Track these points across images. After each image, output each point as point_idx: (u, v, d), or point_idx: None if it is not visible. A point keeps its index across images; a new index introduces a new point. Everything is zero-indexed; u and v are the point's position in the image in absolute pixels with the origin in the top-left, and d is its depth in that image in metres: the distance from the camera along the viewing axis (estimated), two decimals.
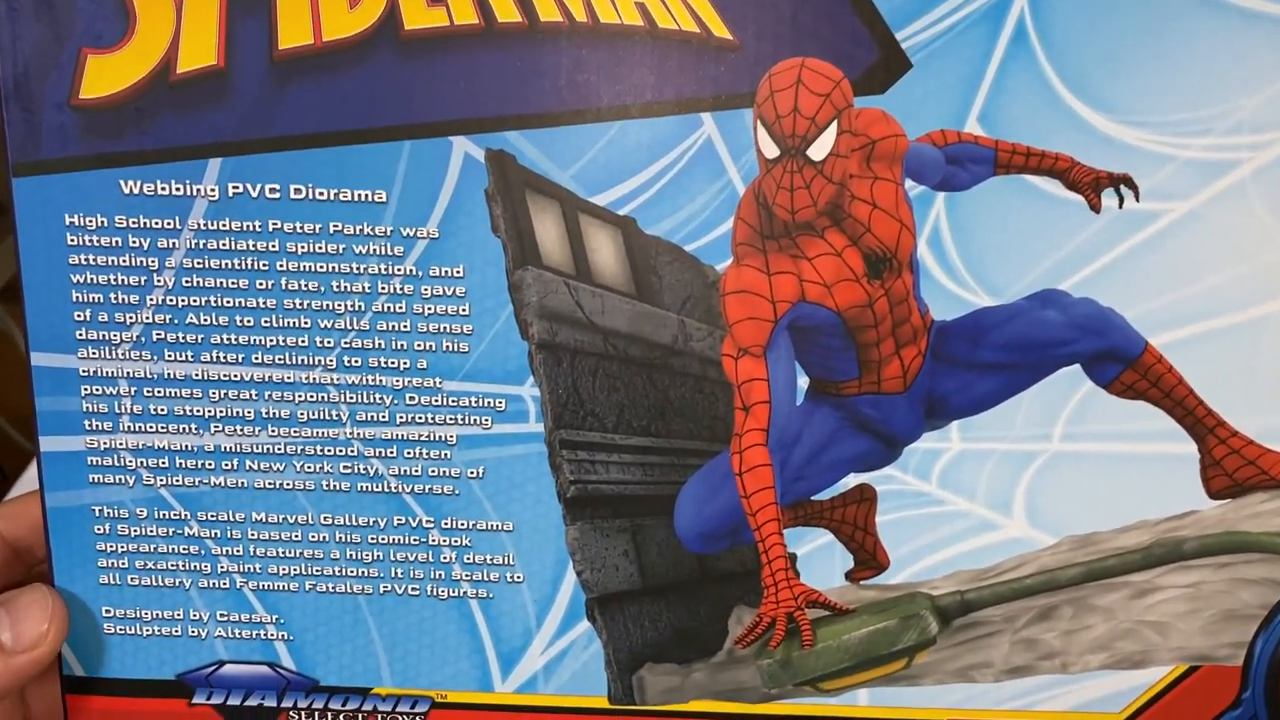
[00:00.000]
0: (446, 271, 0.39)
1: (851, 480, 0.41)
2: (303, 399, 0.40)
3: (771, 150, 0.38)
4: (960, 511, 0.41)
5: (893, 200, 0.38)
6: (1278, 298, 0.39)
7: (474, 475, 0.41)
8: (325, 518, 0.41)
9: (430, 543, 0.42)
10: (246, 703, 0.43)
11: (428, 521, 0.41)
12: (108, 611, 0.42)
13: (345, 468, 0.41)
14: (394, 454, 0.41)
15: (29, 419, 0.41)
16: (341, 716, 0.43)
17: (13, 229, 0.39)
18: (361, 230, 0.39)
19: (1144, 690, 0.42)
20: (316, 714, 0.43)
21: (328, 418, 0.41)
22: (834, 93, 0.37)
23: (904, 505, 0.41)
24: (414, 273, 0.39)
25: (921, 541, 0.41)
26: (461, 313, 0.39)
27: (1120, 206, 0.38)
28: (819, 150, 0.38)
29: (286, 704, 0.43)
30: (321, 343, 0.40)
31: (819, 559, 0.42)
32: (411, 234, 0.39)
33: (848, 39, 0.37)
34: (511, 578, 0.42)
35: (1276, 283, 0.39)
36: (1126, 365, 0.39)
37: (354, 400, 0.40)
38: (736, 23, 0.37)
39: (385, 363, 0.40)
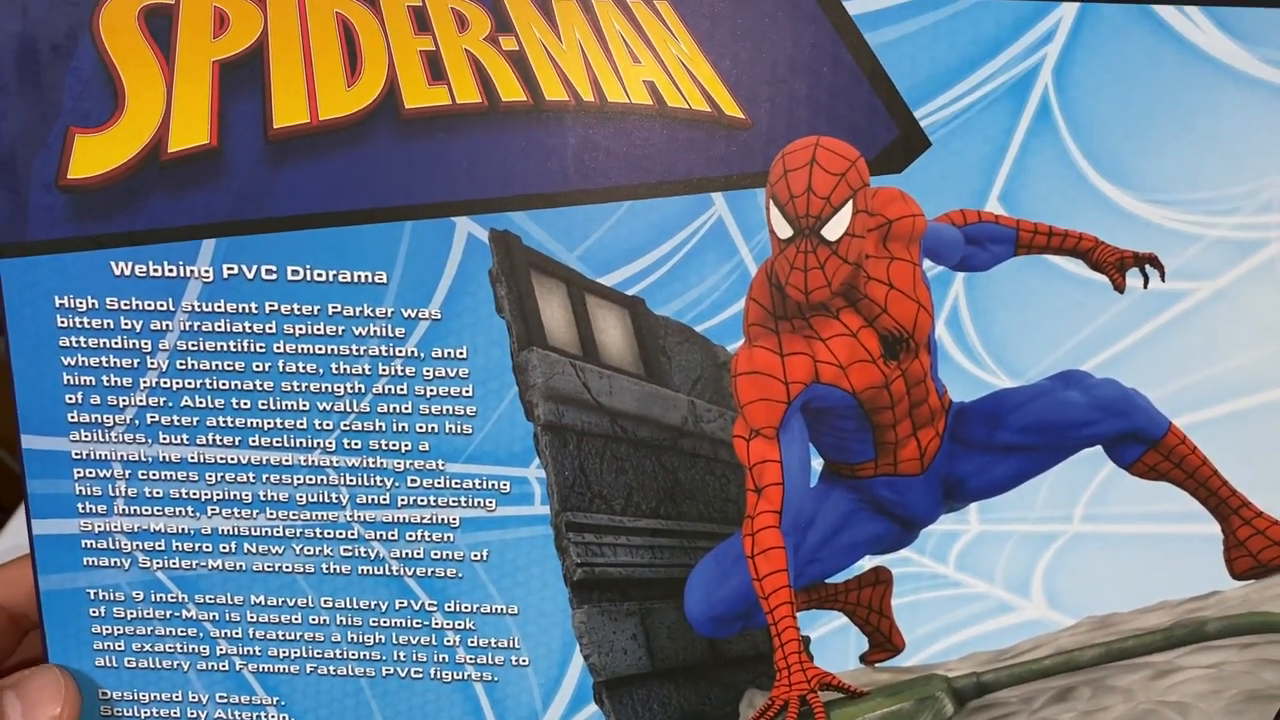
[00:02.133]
0: (449, 353, 0.38)
1: (867, 562, 0.40)
2: (302, 481, 0.39)
3: (785, 230, 0.36)
4: (978, 594, 0.40)
5: (910, 281, 0.37)
6: None
7: (478, 558, 0.40)
8: (325, 600, 0.40)
9: (433, 626, 0.41)
10: None
11: (430, 605, 0.40)
12: (104, 694, 0.41)
13: (346, 550, 0.40)
14: (395, 537, 0.40)
15: None
16: None
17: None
18: (361, 312, 0.38)
19: None
20: None
21: (327, 500, 0.40)
22: (849, 172, 0.36)
23: (920, 587, 0.40)
24: (416, 354, 0.38)
25: (938, 624, 0.40)
26: (465, 394, 0.38)
27: (1145, 286, 0.37)
28: (834, 230, 0.36)
29: None
30: (320, 425, 0.39)
31: (833, 642, 0.41)
32: (413, 315, 0.38)
33: (865, 117, 0.36)
34: (517, 661, 0.41)
35: None
36: (1149, 446, 0.38)
37: (354, 483, 0.39)
38: (749, 101, 0.36)
39: (386, 445, 0.39)
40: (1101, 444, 0.39)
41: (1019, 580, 0.40)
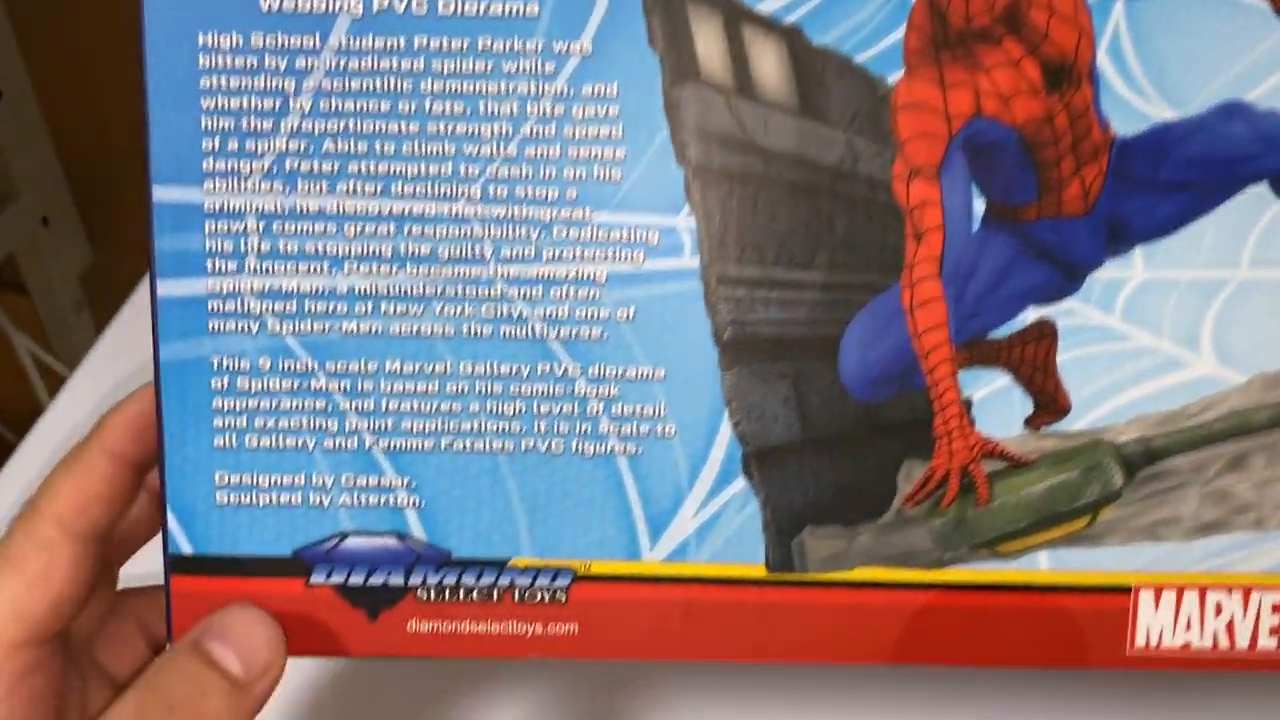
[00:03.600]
0: (600, 89, 0.37)
1: (1031, 315, 0.39)
2: (445, 234, 0.38)
3: None
4: (1145, 347, 0.38)
5: (1071, 5, 0.37)
6: None
7: (624, 317, 0.38)
8: (465, 366, 0.39)
9: (576, 393, 0.39)
10: (371, 581, 0.40)
11: (574, 369, 0.38)
12: (221, 479, 0.39)
13: (488, 310, 0.38)
14: (540, 295, 0.38)
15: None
16: (475, 593, 0.40)
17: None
18: (511, 46, 0.37)
19: None
20: (447, 591, 0.40)
21: (471, 255, 0.38)
22: None
23: (1085, 341, 0.38)
24: (565, 92, 0.37)
25: (1104, 381, 0.39)
26: (614, 136, 0.37)
27: None
28: None
29: (414, 580, 0.40)
30: (466, 171, 0.38)
31: (996, 404, 0.39)
32: (564, 49, 0.37)
33: None
34: (662, 431, 0.39)
35: None
36: None
37: (499, 235, 0.38)
38: None
39: (533, 193, 0.38)
40: (1268, 180, 0.38)
41: (1188, 332, 0.38)
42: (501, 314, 0.38)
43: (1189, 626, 0.40)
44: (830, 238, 0.38)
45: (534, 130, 0.37)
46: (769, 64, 0.37)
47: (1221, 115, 0.37)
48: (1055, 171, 0.38)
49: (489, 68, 0.37)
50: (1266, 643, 0.40)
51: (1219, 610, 0.39)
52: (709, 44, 0.37)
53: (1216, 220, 0.38)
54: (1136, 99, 0.37)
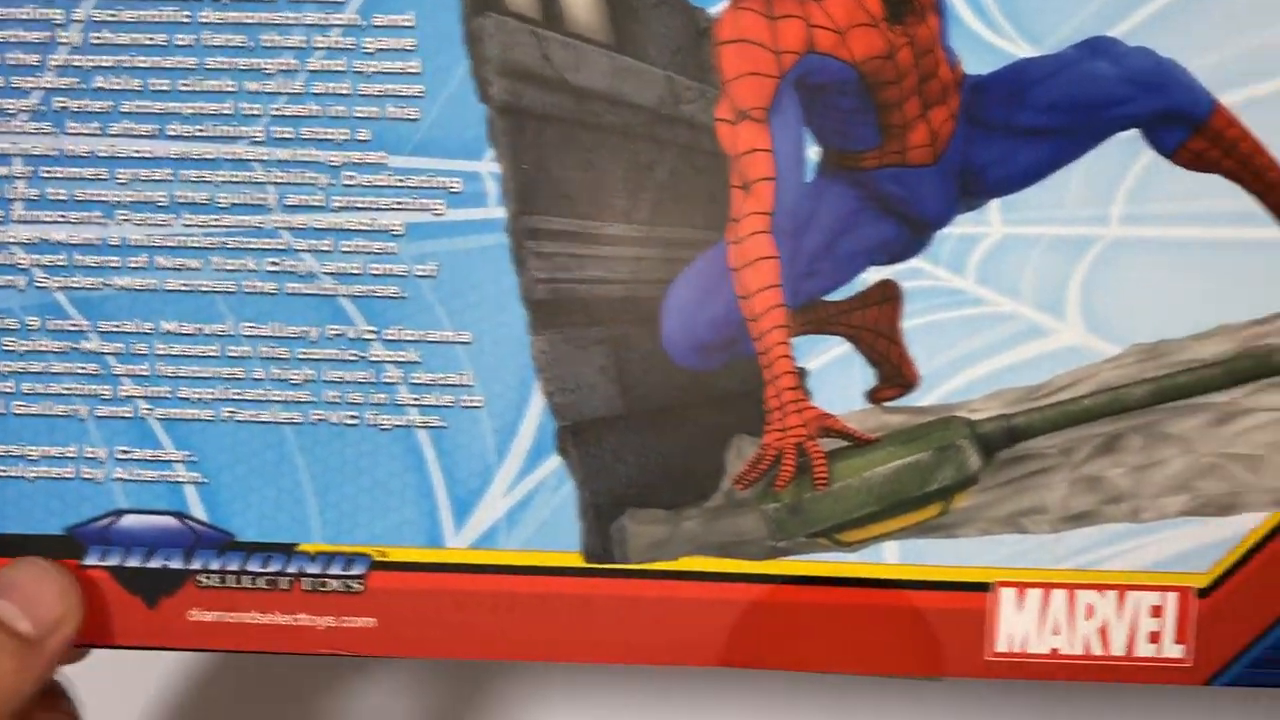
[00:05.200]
0: (393, 21, 0.34)
1: (873, 275, 0.35)
2: (225, 179, 0.34)
3: None
4: (1003, 313, 0.34)
5: None
6: None
7: (424, 273, 0.35)
8: (248, 327, 0.35)
9: (371, 358, 0.35)
10: (149, 564, 0.36)
11: (369, 332, 0.35)
12: None
13: (272, 264, 0.35)
14: (330, 247, 0.35)
15: None
16: (262, 581, 0.36)
17: None
18: None
19: (1235, 544, 0.35)
20: (231, 577, 0.36)
21: (253, 202, 0.35)
22: None
23: (936, 306, 0.34)
24: (356, 22, 0.34)
25: (957, 351, 0.35)
26: (410, 70, 0.34)
27: None
28: None
29: (195, 565, 0.36)
30: (248, 110, 0.34)
31: (835, 375, 0.35)
32: None
33: None
34: (468, 401, 0.35)
35: None
36: (1193, 130, 0.33)
37: (284, 180, 0.34)
38: None
39: (322, 134, 0.34)
40: (1138, 126, 0.34)
41: (1051, 296, 0.34)
42: (287, 269, 0.35)
43: (1057, 630, 0.35)
44: (650, 187, 0.34)
45: (322, 64, 0.34)
46: None
47: (1086, 52, 0.33)
48: (899, 114, 0.34)
49: None
50: (1145, 650, 0.35)
51: (1090, 612, 0.35)
52: None
53: (1082, 171, 0.34)
54: (989, 33, 0.33)
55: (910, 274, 0.34)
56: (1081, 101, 0.33)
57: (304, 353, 0.35)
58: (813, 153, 0.34)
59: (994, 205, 0.34)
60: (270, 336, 0.35)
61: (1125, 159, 0.34)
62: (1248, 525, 0.35)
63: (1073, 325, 0.34)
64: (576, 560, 0.35)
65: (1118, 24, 0.33)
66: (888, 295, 0.34)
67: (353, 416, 0.35)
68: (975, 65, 0.34)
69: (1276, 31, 0.33)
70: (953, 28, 0.34)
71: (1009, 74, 0.33)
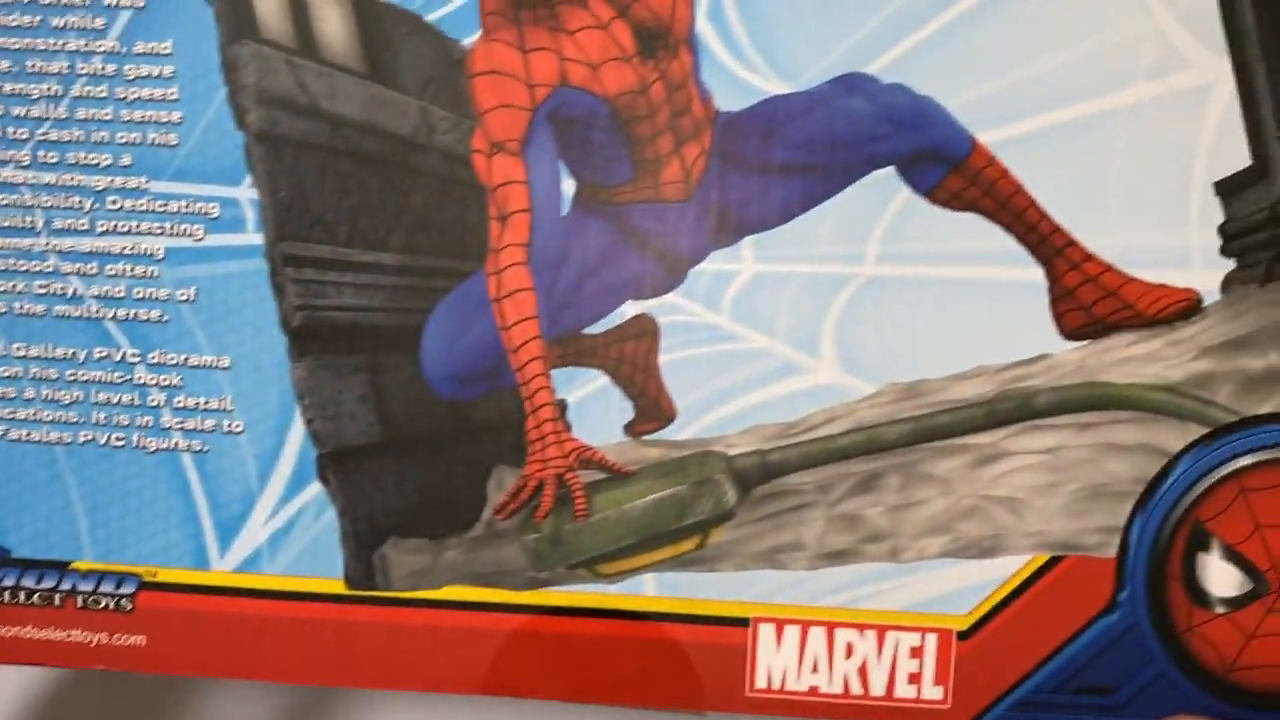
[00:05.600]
0: (153, 48, 0.34)
1: (629, 310, 0.34)
2: None
3: None
4: (758, 350, 0.34)
5: None
6: (1133, 83, 0.32)
7: (185, 298, 0.35)
8: (17, 348, 0.35)
9: (136, 380, 0.35)
10: None
11: (133, 354, 0.35)
12: None
13: (40, 287, 0.35)
14: (95, 270, 0.35)
15: None
16: (36, 596, 0.36)
17: None
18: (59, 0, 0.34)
19: (995, 586, 0.34)
20: (6, 593, 0.36)
21: (21, 225, 0.35)
22: None
23: (692, 341, 0.34)
24: (118, 49, 0.34)
25: (713, 387, 0.34)
26: (169, 97, 0.34)
27: None
28: None
29: None
30: (14, 134, 0.35)
31: (594, 407, 0.35)
32: (115, 3, 0.34)
33: None
34: (229, 426, 0.35)
35: (1132, 64, 0.32)
36: (951, 168, 0.33)
37: (50, 204, 0.35)
38: None
39: (86, 159, 0.35)
40: (895, 164, 0.33)
41: (806, 334, 0.34)
42: (55, 291, 0.35)
43: (815, 668, 0.35)
44: (406, 216, 0.34)
45: (85, 90, 0.34)
46: (333, 21, 0.34)
47: (841, 89, 0.33)
48: (651, 149, 0.34)
49: (36, 21, 0.34)
50: (904, 691, 0.35)
51: (850, 651, 0.35)
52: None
53: (837, 209, 0.33)
54: (742, 69, 0.33)
55: (666, 309, 0.34)
56: (836, 139, 0.33)
57: (73, 374, 0.35)
58: (568, 186, 0.34)
59: (747, 242, 0.34)
60: (40, 358, 0.35)
61: (881, 197, 0.33)
62: (1009, 568, 0.34)
63: (828, 363, 0.34)
64: (339, 587, 0.36)
65: (874, 61, 0.33)
66: (644, 330, 0.34)
67: (120, 438, 0.36)
68: (729, 101, 0.33)
69: (1036, 69, 0.32)
70: (705, 63, 0.33)
71: (762, 110, 0.33)
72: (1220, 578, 0.34)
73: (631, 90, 0.33)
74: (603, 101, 0.33)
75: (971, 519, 0.34)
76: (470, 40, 0.33)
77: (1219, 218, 0.33)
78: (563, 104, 0.33)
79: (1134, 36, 0.32)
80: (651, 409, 0.34)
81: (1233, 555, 0.34)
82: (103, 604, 0.36)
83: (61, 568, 0.36)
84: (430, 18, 0.33)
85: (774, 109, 0.33)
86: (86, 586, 0.36)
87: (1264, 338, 0.33)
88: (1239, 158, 0.32)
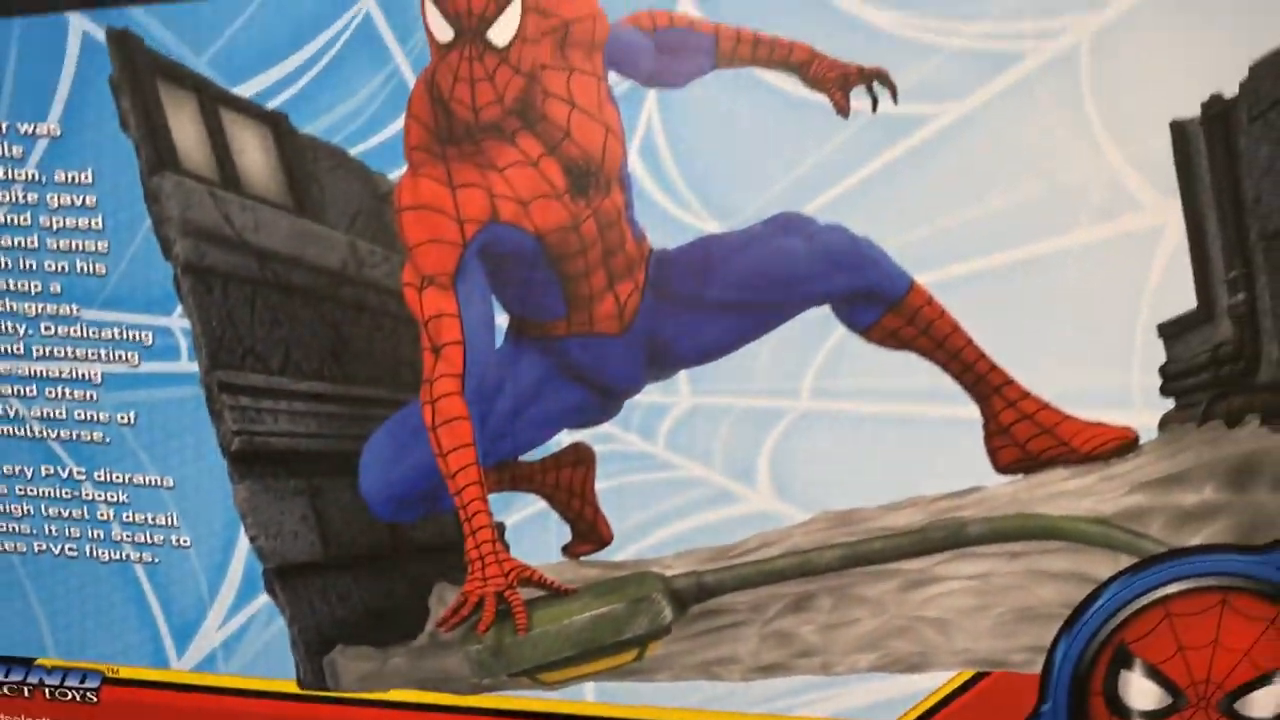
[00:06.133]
0: (74, 177, 0.33)
1: (566, 438, 0.34)
2: None
3: (445, 33, 0.31)
4: (694, 478, 0.34)
5: (595, 98, 0.31)
6: (1074, 227, 0.31)
7: (125, 421, 0.35)
8: None
9: (85, 497, 0.36)
10: None
11: (79, 473, 0.36)
12: None
13: None
14: (35, 393, 0.35)
15: None
16: (6, 689, 0.38)
17: None
18: None
19: (922, 698, 0.35)
20: None
21: None
22: None
23: (628, 469, 0.34)
24: (37, 178, 0.33)
25: (650, 512, 0.35)
26: (94, 227, 0.33)
27: (875, 110, 0.31)
28: (502, 33, 0.31)
29: None
30: None
31: (531, 529, 0.35)
32: (30, 131, 0.33)
33: None
34: (177, 541, 0.36)
35: (1072, 207, 0.31)
36: (888, 308, 0.32)
37: None
38: None
39: (16, 285, 0.34)
40: (830, 303, 0.32)
41: (741, 465, 0.34)
42: (2, 414, 0.35)
43: None
44: (339, 347, 0.34)
45: (9, 218, 0.34)
46: (254, 154, 0.33)
47: (777, 228, 0.32)
48: (585, 285, 0.33)
49: None
50: None
51: None
52: (186, 129, 0.32)
53: (772, 344, 0.33)
54: (676, 208, 0.32)
55: (602, 438, 0.34)
56: (771, 277, 0.32)
57: (23, 489, 0.36)
58: (502, 319, 0.34)
59: (682, 375, 0.33)
60: None
61: (816, 334, 0.33)
62: (935, 683, 0.35)
63: (762, 492, 0.34)
64: (292, 687, 0.37)
65: (810, 200, 0.32)
66: (581, 458, 0.34)
67: (73, 549, 0.36)
68: (662, 239, 0.32)
69: (971, 212, 0.31)
70: (638, 202, 0.32)
71: (697, 248, 0.32)
72: (1141, 694, 0.35)
73: (563, 227, 0.32)
74: (534, 237, 0.32)
75: (902, 637, 0.35)
76: (397, 174, 0.32)
77: (1161, 359, 0.32)
78: (493, 239, 0.32)
79: (1084, 178, 0.31)
80: (589, 532, 0.35)
81: (1155, 674, 0.35)
82: (69, 696, 0.38)
83: (28, 664, 0.38)
84: (355, 151, 0.32)
85: (708, 247, 0.32)
86: (53, 681, 0.38)
87: (1199, 474, 0.33)
88: (1184, 300, 0.32)
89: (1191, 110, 0.30)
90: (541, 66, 0.31)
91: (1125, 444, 0.33)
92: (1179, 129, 0.30)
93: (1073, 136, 0.30)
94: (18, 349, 0.35)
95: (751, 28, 0.31)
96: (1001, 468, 0.34)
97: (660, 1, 0.30)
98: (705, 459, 0.34)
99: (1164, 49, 0.30)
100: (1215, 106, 0.30)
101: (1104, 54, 0.30)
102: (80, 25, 0.32)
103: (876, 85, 0.31)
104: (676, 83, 0.31)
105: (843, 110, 0.31)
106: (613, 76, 0.31)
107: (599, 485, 0.35)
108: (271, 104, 0.32)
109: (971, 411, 0.33)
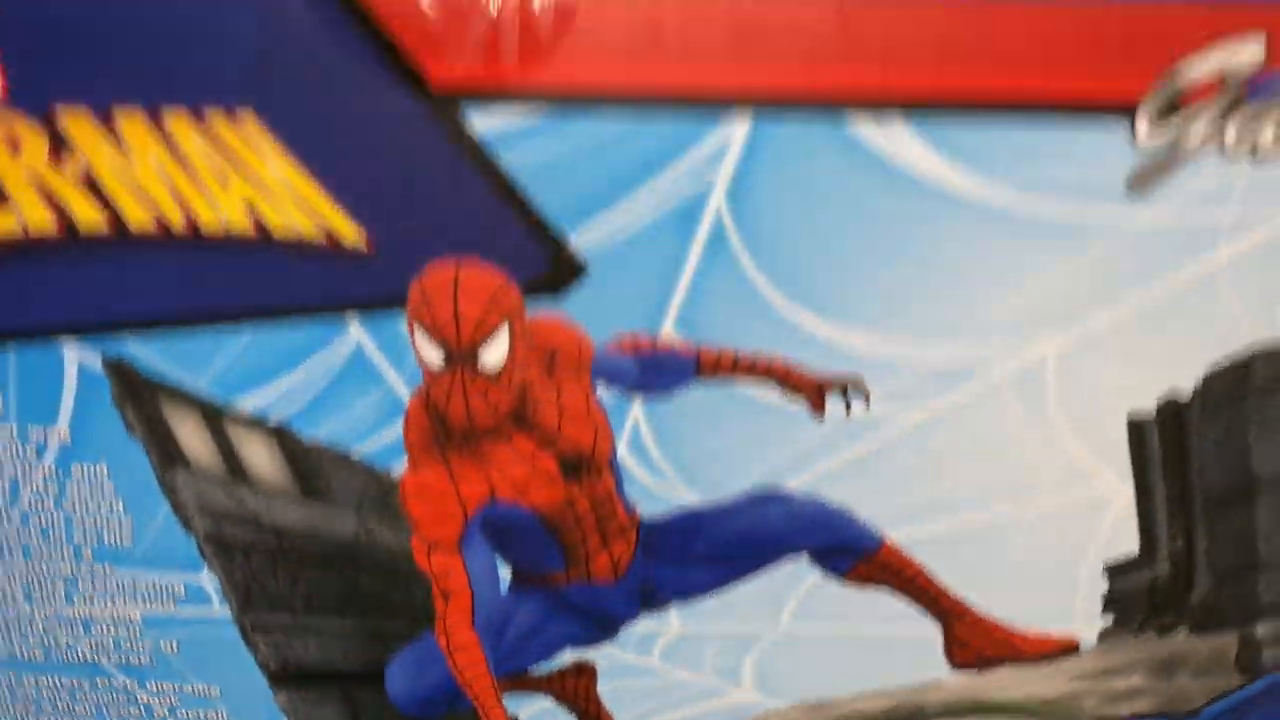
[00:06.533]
0: (89, 470, 0.35)
1: (569, 656, 0.38)
2: None
3: (436, 359, 0.32)
4: (686, 680, 0.38)
5: (583, 406, 0.33)
6: (1037, 496, 0.34)
7: (169, 649, 0.38)
8: (29, 679, 0.40)
9: (140, 700, 0.40)
10: None
11: (131, 684, 0.39)
12: None
13: (35, 640, 0.39)
14: (81, 630, 0.38)
15: None
16: None
17: None
18: None
19: None
20: None
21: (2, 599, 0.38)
22: (499, 295, 0.31)
23: (625, 675, 0.38)
24: (54, 472, 0.35)
25: (646, 706, 0.39)
26: (116, 509, 0.35)
27: (848, 414, 0.33)
28: (492, 358, 0.32)
29: None
30: None
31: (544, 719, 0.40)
32: (41, 437, 0.34)
33: (508, 242, 0.30)
34: None
35: (1035, 480, 0.34)
36: (860, 559, 0.35)
37: (28, 579, 0.37)
38: (367, 223, 0.30)
39: (48, 553, 0.37)
40: (808, 552, 0.36)
41: (728, 670, 0.38)
42: (49, 644, 0.39)
43: None
44: (357, 595, 0.37)
45: (32, 503, 0.35)
46: (261, 457, 0.34)
47: (758, 502, 0.34)
48: (581, 549, 0.36)
49: None
50: None
51: None
52: (191, 437, 0.34)
53: (755, 586, 0.36)
54: (662, 486, 0.34)
55: (603, 656, 0.38)
56: (752, 539, 0.35)
57: (82, 694, 0.40)
58: (505, 571, 0.37)
59: (674, 611, 0.37)
60: (51, 686, 0.39)
61: (795, 578, 0.36)
62: None
63: (747, 689, 0.38)
64: None
65: (791, 478, 0.34)
66: (584, 671, 0.38)
67: None
68: (651, 510, 0.35)
69: (936, 490, 0.34)
70: (628, 482, 0.34)
71: (686, 517, 0.35)
72: None
73: (558, 504, 0.34)
74: (531, 513, 0.35)
75: None
76: (399, 467, 0.34)
77: (1104, 590, 0.36)
78: (493, 514, 0.35)
79: (1040, 456, 0.33)
80: None
81: None
82: None
83: None
84: (357, 450, 0.34)
85: (695, 518, 0.35)
86: None
87: (1130, 666, 0.37)
88: (1129, 547, 0.35)
89: (1149, 407, 0.32)
90: (531, 383, 0.32)
91: (1068, 648, 0.37)
92: (1135, 425, 0.33)
93: (1040, 439, 0.32)
94: (59, 596, 0.37)
95: (731, 348, 0.32)
96: (957, 665, 0.38)
97: (643, 323, 0.31)
98: (695, 668, 0.38)
99: (1125, 361, 0.31)
100: (1170, 406, 0.32)
101: (1069, 366, 0.31)
102: (75, 355, 0.32)
103: (851, 391, 0.32)
104: (660, 395, 0.33)
105: (818, 414, 0.33)
106: (600, 388, 0.33)
107: (602, 687, 0.39)
108: (275, 417, 0.33)
109: (932, 631, 0.37)
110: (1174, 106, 0.28)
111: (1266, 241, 0.29)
